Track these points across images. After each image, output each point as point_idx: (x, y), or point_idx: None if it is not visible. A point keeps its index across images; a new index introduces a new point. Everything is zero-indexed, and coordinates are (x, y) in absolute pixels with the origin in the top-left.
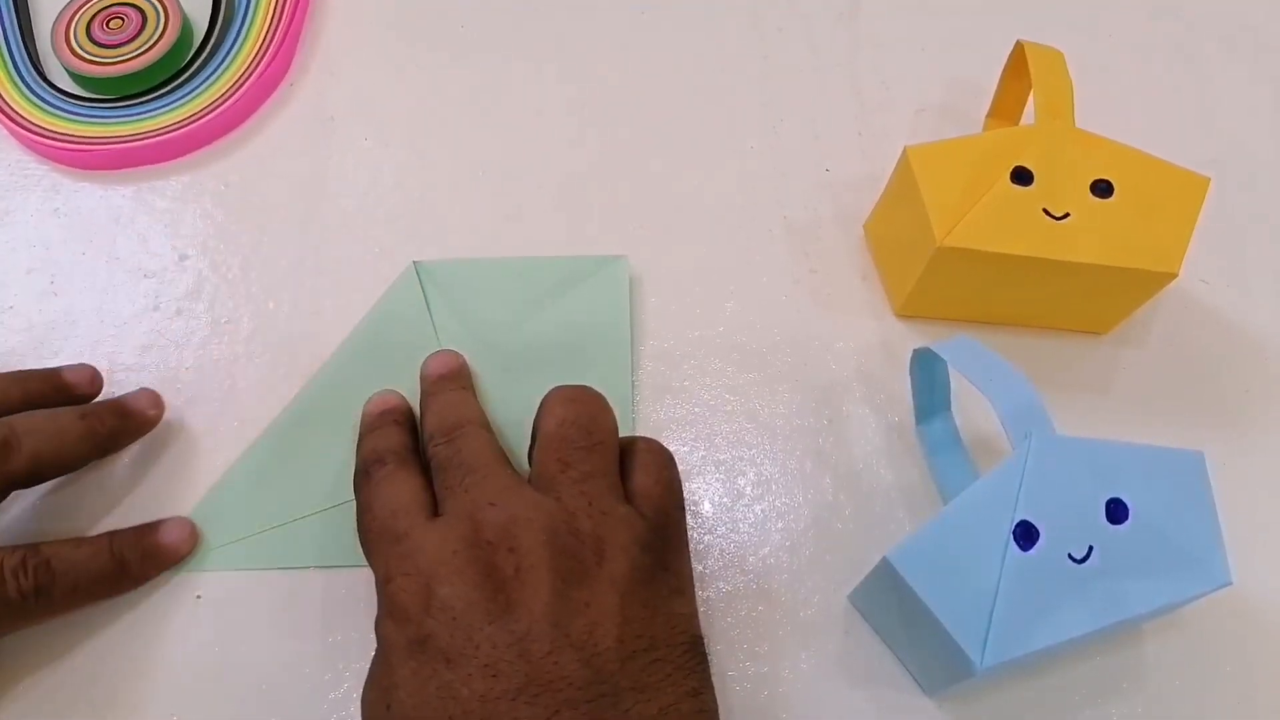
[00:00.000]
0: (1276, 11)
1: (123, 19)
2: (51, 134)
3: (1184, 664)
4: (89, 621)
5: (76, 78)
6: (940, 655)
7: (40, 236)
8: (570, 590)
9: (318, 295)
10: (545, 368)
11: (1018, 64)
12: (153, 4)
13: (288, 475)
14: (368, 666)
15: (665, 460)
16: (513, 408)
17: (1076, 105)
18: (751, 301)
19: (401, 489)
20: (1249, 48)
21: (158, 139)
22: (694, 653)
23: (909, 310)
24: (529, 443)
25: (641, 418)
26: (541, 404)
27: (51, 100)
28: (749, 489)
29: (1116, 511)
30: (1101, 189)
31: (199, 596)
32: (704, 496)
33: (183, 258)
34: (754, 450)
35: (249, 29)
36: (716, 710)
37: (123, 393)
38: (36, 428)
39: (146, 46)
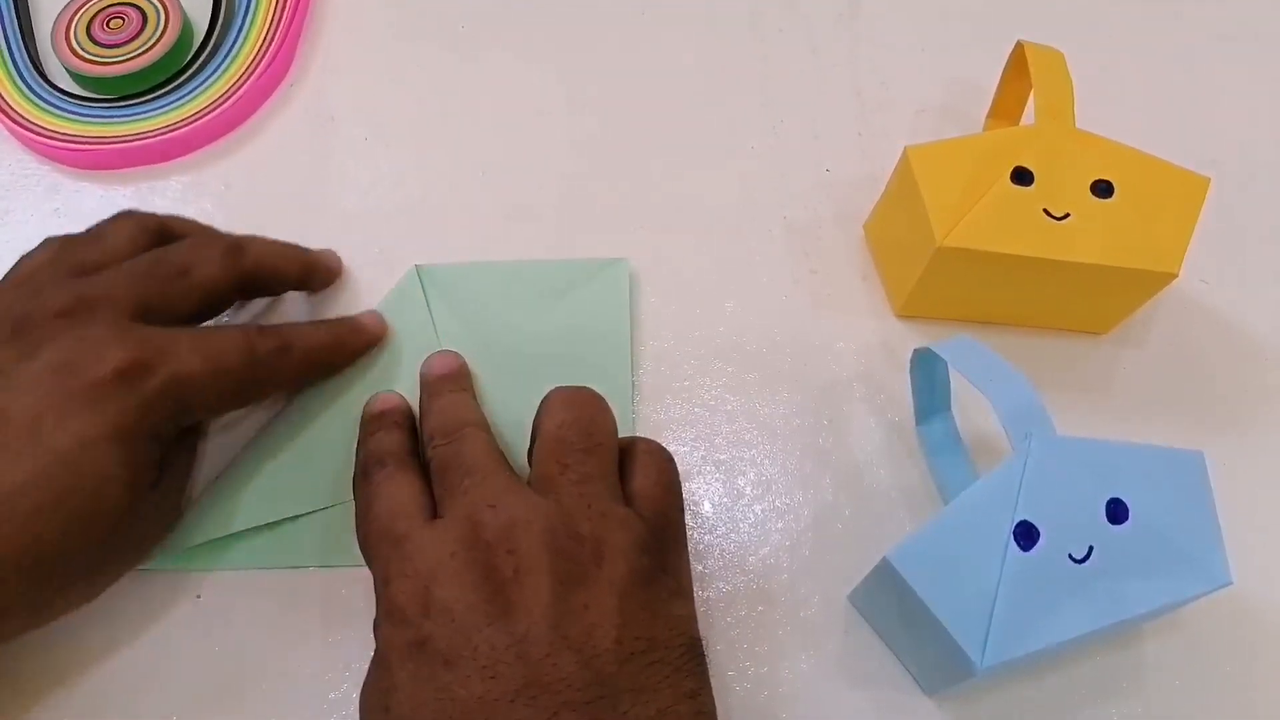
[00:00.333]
0: (1276, 11)
1: (123, 19)
2: (51, 134)
3: (1184, 664)
4: (89, 621)
5: (77, 77)
6: (940, 655)
7: (40, 236)
8: (569, 592)
9: (318, 296)
10: (545, 370)
11: (1018, 64)
12: (153, 4)
13: (288, 475)
14: (367, 667)
15: (665, 462)
16: (512, 409)
17: (1076, 105)
18: (751, 302)
19: (401, 490)
20: (1249, 48)
21: (158, 139)
22: (692, 654)
23: (909, 310)
24: (528, 444)
25: (641, 418)
26: (541, 405)
27: (51, 100)
28: (749, 489)
29: (1116, 512)
30: (1101, 189)
31: (199, 596)
32: (704, 497)
33: None
34: (754, 450)
35: (249, 29)
36: (714, 712)
37: None
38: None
39: (147, 46)
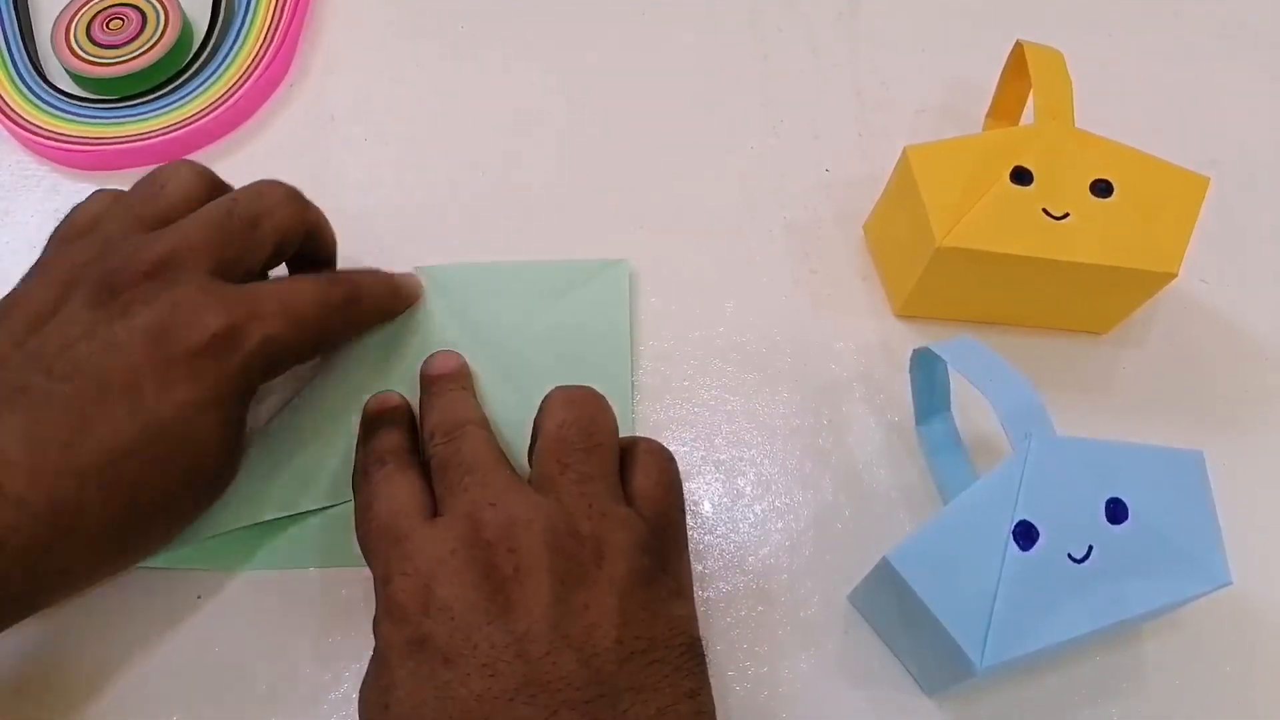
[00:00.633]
0: (1276, 11)
1: (123, 19)
2: (51, 134)
3: (1184, 664)
4: (89, 621)
5: (76, 78)
6: (940, 655)
7: (40, 237)
8: (569, 592)
9: None
10: (545, 370)
11: (1018, 64)
12: (153, 4)
13: (288, 475)
14: (366, 667)
15: (666, 462)
16: (512, 409)
17: (1076, 105)
18: (751, 302)
19: (401, 489)
20: (1249, 47)
21: (158, 139)
22: (692, 654)
23: (909, 310)
24: (529, 443)
25: (641, 418)
26: (542, 404)
27: (51, 100)
28: (749, 489)
29: (1116, 511)
30: (1101, 189)
31: (199, 597)
32: (704, 496)
33: None
34: (754, 450)
35: (249, 29)
36: (714, 712)
37: None
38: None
39: (146, 47)
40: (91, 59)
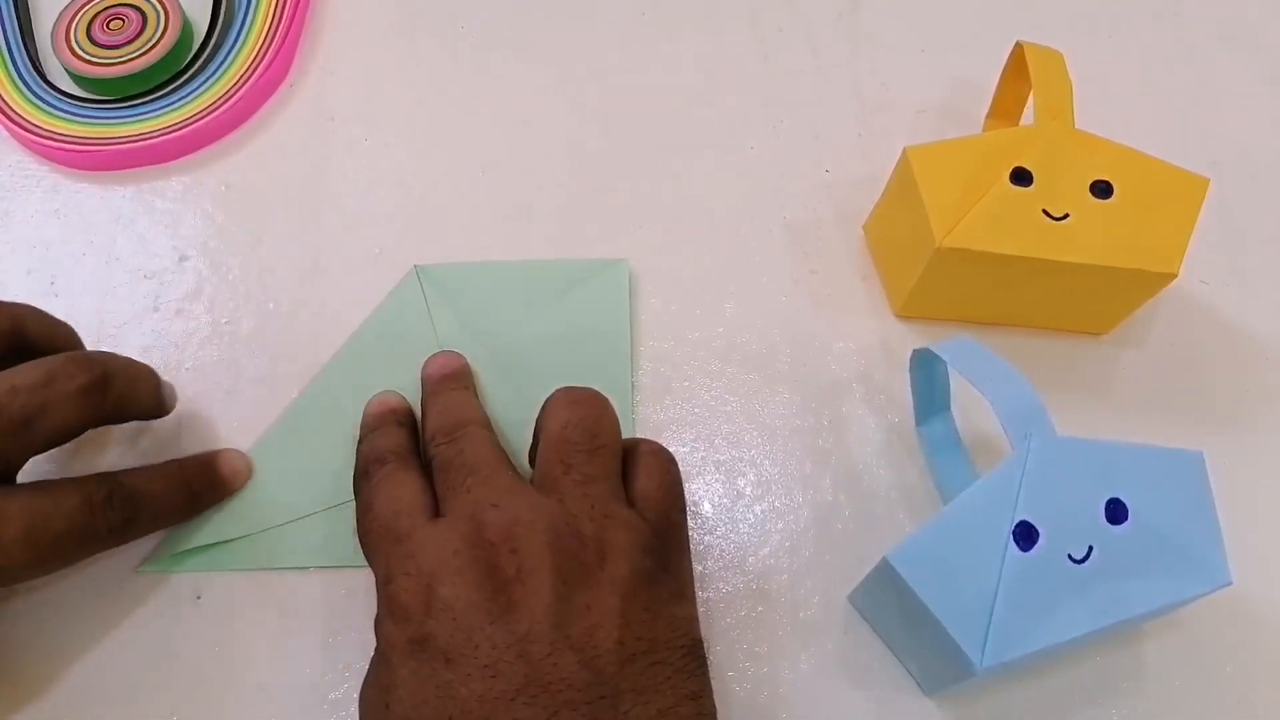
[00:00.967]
0: (1276, 11)
1: (123, 20)
2: (51, 134)
3: (1184, 664)
4: (89, 621)
5: (77, 78)
6: (940, 655)
7: (40, 237)
8: (571, 592)
9: (318, 296)
10: (545, 370)
11: (1018, 64)
12: (153, 5)
13: (288, 475)
14: (366, 667)
15: (667, 463)
16: (513, 409)
17: (1076, 105)
18: (751, 302)
19: (402, 489)
20: (1249, 48)
21: (158, 140)
22: (694, 656)
23: (909, 310)
24: (529, 444)
25: (641, 418)
26: (545, 405)
27: (51, 100)
28: (749, 489)
29: (1116, 512)
30: (1101, 189)
31: (199, 597)
32: (704, 497)
33: (183, 259)
34: (754, 451)
35: (249, 30)
36: (715, 713)
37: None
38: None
39: (147, 47)
40: (92, 59)
